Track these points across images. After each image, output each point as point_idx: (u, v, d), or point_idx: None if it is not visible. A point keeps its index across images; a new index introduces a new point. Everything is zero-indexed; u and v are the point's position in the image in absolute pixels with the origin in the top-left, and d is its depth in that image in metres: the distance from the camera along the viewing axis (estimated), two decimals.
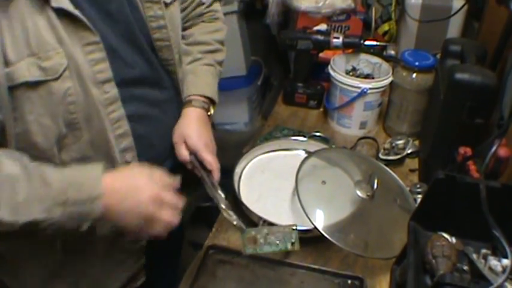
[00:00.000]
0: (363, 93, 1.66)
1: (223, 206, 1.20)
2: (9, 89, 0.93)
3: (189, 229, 2.39)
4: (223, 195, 1.22)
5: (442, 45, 1.51)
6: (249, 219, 1.33)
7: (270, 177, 1.48)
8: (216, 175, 1.24)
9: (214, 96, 1.40)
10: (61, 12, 0.95)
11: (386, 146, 1.63)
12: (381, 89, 1.69)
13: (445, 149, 1.33)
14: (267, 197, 1.40)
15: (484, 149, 1.15)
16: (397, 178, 1.41)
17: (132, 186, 1.02)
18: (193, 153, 1.26)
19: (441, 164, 1.30)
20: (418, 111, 1.66)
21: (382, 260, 1.22)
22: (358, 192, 1.30)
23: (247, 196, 1.39)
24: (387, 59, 1.85)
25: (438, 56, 1.58)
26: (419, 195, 1.37)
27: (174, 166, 1.28)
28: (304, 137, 1.63)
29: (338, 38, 1.75)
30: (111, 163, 1.08)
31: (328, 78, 1.78)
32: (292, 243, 1.17)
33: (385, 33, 2.31)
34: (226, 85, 2.87)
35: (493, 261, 0.89)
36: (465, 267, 0.90)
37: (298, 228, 1.24)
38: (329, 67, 1.75)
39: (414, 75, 1.60)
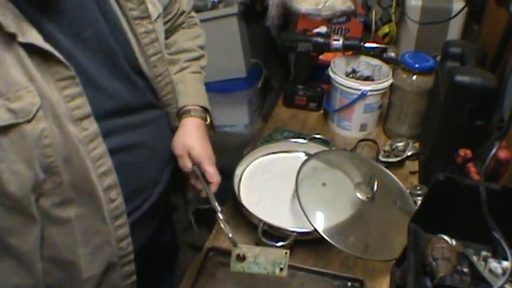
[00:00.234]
0: (363, 95, 1.66)
1: (221, 217, 1.20)
2: None
3: (189, 231, 2.39)
4: (219, 208, 1.21)
5: (442, 47, 1.51)
6: (249, 221, 1.33)
7: (270, 180, 1.48)
8: (214, 188, 1.25)
9: (207, 105, 1.39)
10: (31, 48, 0.87)
11: (387, 148, 1.63)
12: (381, 91, 1.69)
13: (445, 151, 1.33)
14: (267, 199, 1.40)
15: (484, 151, 1.15)
16: (397, 180, 1.41)
17: None
18: (196, 164, 1.26)
19: (441, 166, 1.30)
20: (418, 113, 1.66)
21: (382, 262, 1.22)
22: (358, 195, 1.30)
23: (248, 198, 1.39)
24: (387, 61, 1.85)
25: (438, 58, 1.58)
26: (420, 197, 1.37)
27: (167, 187, 1.29)
28: (304, 139, 1.63)
29: (338, 40, 1.75)
30: (94, 203, 1.02)
31: (328, 80, 1.78)
32: (281, 269, 1.14)
33: (385, 35, 2.32)
34: (226, 87, 2.89)
35: (493, 264, 0.89)
36: (465, 270, 0.89)
37: (298, 230, 1.24)
38: (329, 69, 1.75)
39: (414, 77, 1.60)
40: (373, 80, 1.78)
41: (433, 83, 1.57)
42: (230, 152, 2.60)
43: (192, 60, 1.41)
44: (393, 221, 1.29)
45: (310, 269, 1.22)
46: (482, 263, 0.90)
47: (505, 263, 0.88)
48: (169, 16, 1.35)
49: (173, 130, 1.30)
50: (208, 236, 1.34)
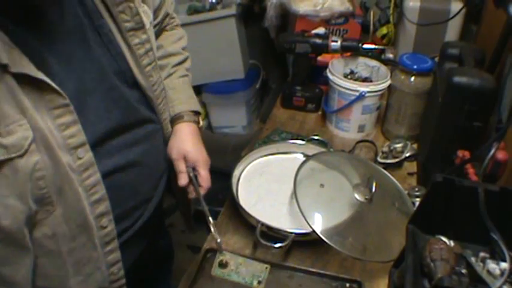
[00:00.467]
0: (361, 96, 1.66)
1: (211, 221, 1.22)
2: None
3: (187, 232, 2.40)
4: (208, 212, 1.23)
5: (440, 49, 1.51)
6: (247, 222, 1.33)
7: (268, 181, 1.47)
8: (203, 192, 1.27)
9: (199, 108, 1.40)
10: (23, 77, 0.84)
11: (385, 149, 1.63)
12: (379, 93, 1.69)
13: (443, 152, 1.33)
14: (265, 200, 1.40)
15: (482, 152, 1.15)
16: (396, 181, 1.41)
17: None
18: (191, 166, 1.28)
19: (439, 167, 1.30)
20: (416, 114, 1.66)
21: (380, 263, 1.22)
22: (357, 196, 1.30)
23: (246, 199, 1.39)
24: (385, 62, 1.85)
25: (436, 59, 1.58)
26: (418, 199, 1.36)
27: (161, 201, 1.30)
28: (303, 140, 1.62)
29: (336, 41, 1.76)
30: (85, 231, 1.00)
31: (326, 81, 1.78)
32: (259, 282, 1.17)
33: (384, 36, 2.32)
34: (224, 88, 2.90)
35: (491, 265, 0.88)
36: (463, 271, 0.89)
37: (297, 231, 1.24)
38: (327, 70, 1.75)
39: (412, 78, 1.60)
40: (371, 81, 1.79)
41: (431, 84, 1.57)
42: (228, 153, 2.60)
43: (178, 64, 1.41)
44: (391, 222, 1.29)
45: (308, 270, 1.22)
46: (481, 264, 0.90)
47: (503, 264, 0.88)
48: (158, 20, 1.34)
49: (167, 142, 1.31)
50: (206, 237, 1.34)
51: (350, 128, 1.76)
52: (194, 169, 1.29)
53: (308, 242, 1.28)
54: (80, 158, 0.96)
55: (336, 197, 1.32)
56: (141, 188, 1.18)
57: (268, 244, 1.22)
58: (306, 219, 1.22)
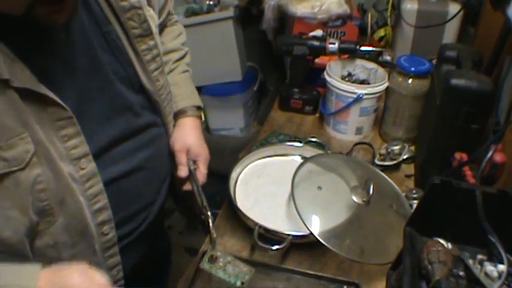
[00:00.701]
0: (358, 98, 1.66)
1: (209, 214, 1.23)
2: None
3: (184, 235, 2.40)
4: (208, 207, 1.24)
5: (438, 51, 1.51)
6: (245, 224, 1.32)
7: (266, 183, 1.47)
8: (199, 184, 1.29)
9: (200, 103, 1.43)
10: (25, 91, 0.84)
11: (382, 151, 1.63)
12: (377, 95, 1.69)
13: (441, 154, 1.33)
14: (262, 202, 1.40)
15: (480, 155, 1.15)
16: (393, 184, 1.41)
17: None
18: (192, 160, 1.31)
19: (437, 170, 1.29)
20: (413, 116, 1.66)
21: (378, 265, 1.22)
22: (354, 198, 1.30)
23: (243, 201, 1.39)
24: (383, 64, 1.85)
25: (434, 61, 1.58)
26: (415, 201, 1.36)
27: (164, 203, 1.30)
28: (300, 142, 1.62)
29: (334, 43, 1.75)
30: (86, 239, 1.01)
31: (324, 83, 1.78)
32: (242, 283, 1.16)
33: (381, 38, 2.32)
34: (222, 91, 2.90)
35: (489, 267, 0.88)
36: (461, 273, 0.89)
37: (294, 234, 1.24)
38: (325, 73, 1.75)
39: (410, 80, 1.60)
40: (368, 83, 1.78)
41: (428, 87, 1.57)
42: (226, 155, 2.60)
43: (179, 60, 1.42)
44: (389, 224, 1.29)
45: (306, 272, 1.22)
46: (478, 266, 0.90)
47: (501, 267, 0.87)
48: (161, 19, 1.34)
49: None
50: (204, 239, 1.34)
51: (348, 130, 1.76)
52: (194, 163, 1.31)
53: (306, 244, 1.28)
54: (82, 169, 0.97)
55: (333, 199, 1.32)
56: (145, 191, 1.19)
57: (266, 246, 1.22)
58: (303, 222, 1.22)
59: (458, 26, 1.99)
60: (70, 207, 0.95)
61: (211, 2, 2.67)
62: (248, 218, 1.30)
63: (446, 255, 0.89)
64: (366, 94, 1.65)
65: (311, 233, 1.20)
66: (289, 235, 1.24)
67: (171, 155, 1.30)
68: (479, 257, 0.91)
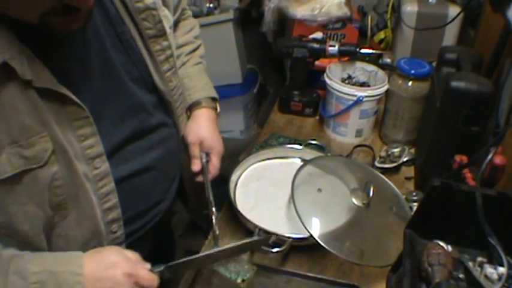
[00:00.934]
0: (358, 101, 1.65)
1: (214, 212, 1.25)
2: None
3: (184, 238, 2.39)
4: (213, 202, 1.27)
5: (438, 53, 1.51)
6: (245, 227, 1.32)
7: (266, 185, 1.47)
8: (210, 179, 1.31)
9: (215, 94, 1.44)
10: (45, 91, 0.87)
11: (382, 154, 1.63)
12: (377, 97, 1.69)
13: (441, 156, 1.33)
14: (262, 205, 1.40)
15: (480, 157, 1.15)
16: (393, 186, 1.41)
17: (110, 266, 0.96)
18: (205, 152, 1.34)
19: (437, 172, 1.29)
20: (413, 119, 1.66)
21: (377, 268, 1.22)
22: (354, 200, 1.30)
23: (243, 204, 1.39)
24: (383, 67, 1.85)
25: (434, 64, 1.59)
26: (415, 203, 1.36)
27: (172, 202, 1.31)
28: (300, 145, 1.63)
29: (334, 46, 1.76)
30: (96, 235, 1.04)
31: (324, 86, 1.78)
32: (243, 280, 1.17)
33: (381, 41, 2.32)
34: (222, 93, 2.86)
35: (489, 269, 0.88)
36: (461, 275, 0.89)
37: (294, 236, 1.24)
38: (325, 75, 1.75)
39: (410, 83, 1.60)
40: (368, 85, 1.78)
41: (428, 89, 1.57)
42: (226, 158, 2.60)
43: (191, 52, 1.43)
44: (389, 226, 1.29)
45: (305, 274, 1.22)
46: (478, 268, 0.90)
47: (501, 269, 0.87)
48: (175, 17, 1.35)
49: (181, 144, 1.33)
50: (204, 241, 1.34)
51: (348, 132, 1.76)
52: (207, 155, 1.33)
53: (306, 247, 1.27)
54: (96, 168, 0.99)
55: (333, 201, 1.32)
56: (154, 191, 1.20)
57: (266, 249, 1.22)
58: (303, 224, 1.22)
59: (458, 29, 1.99)
60: (82, 204, 0.99)
61: (211, 5, 2.67)
62: (248, 221, 1.30)
63: (446, 257, 0.89)
64: (366, 96, 1.65)
65: (311, 236, 1.20)
66: (289, 237, 1.24)
67: (185, 150, 1.32)
68: (479, 259, 0.91)
